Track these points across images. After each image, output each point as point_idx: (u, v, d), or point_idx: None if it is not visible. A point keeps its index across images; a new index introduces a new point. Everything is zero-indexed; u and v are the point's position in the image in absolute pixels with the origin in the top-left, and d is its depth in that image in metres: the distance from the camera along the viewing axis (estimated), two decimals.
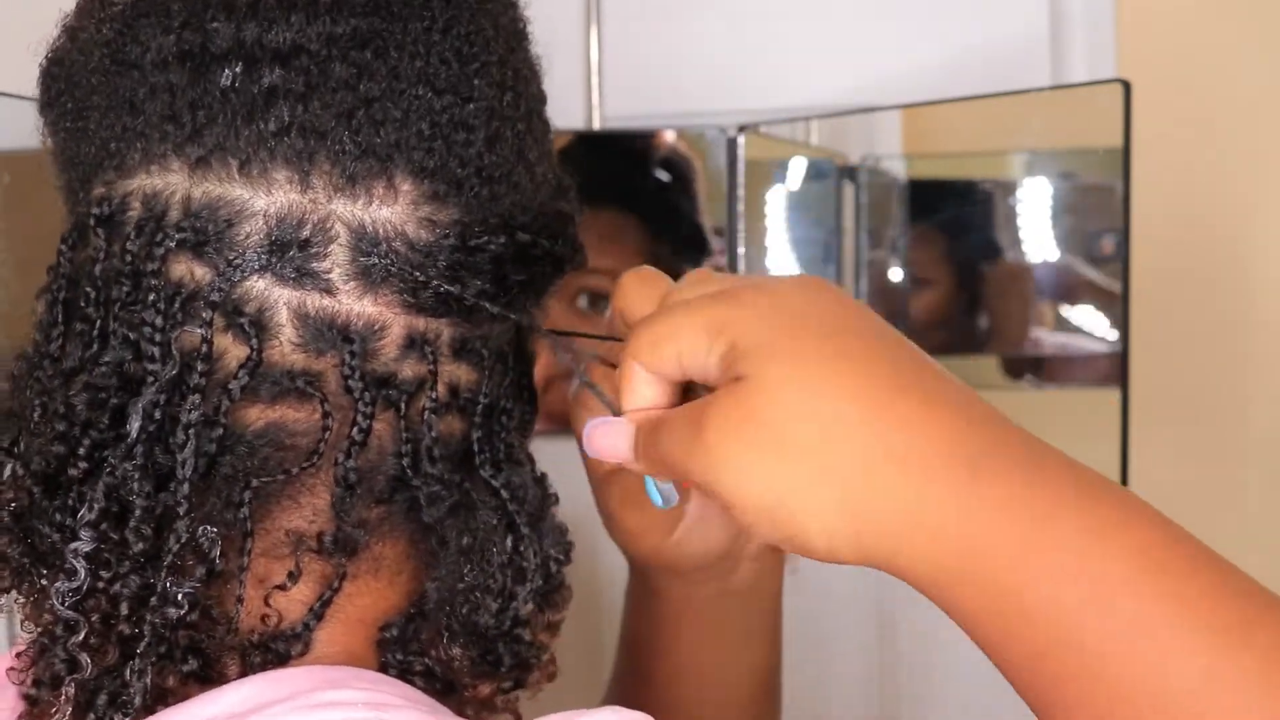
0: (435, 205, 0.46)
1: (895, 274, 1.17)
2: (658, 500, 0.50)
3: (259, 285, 0.44)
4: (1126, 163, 0.95)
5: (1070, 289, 1.07)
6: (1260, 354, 1.32)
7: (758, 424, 0.41)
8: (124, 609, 0.43)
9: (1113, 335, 1.00)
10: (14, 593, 0.46)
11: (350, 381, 0.45)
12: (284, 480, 0.45)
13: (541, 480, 0.52)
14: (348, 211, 0.44)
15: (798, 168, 1.20)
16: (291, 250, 0.44)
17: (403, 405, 0.46)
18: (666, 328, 0.44)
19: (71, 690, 0.43)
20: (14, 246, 0.87)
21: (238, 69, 0.44)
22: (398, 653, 0.48)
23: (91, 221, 0.46)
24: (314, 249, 0.44)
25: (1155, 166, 1.12)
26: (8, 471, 0.47)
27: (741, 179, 1.15)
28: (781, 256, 1.18)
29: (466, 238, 0.46)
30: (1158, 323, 1.21)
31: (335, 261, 0.45)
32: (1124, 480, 0.96)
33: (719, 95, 1.19)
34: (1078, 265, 1.06)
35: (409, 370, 0.46)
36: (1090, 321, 1.05)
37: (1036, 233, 1.07)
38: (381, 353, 0.46)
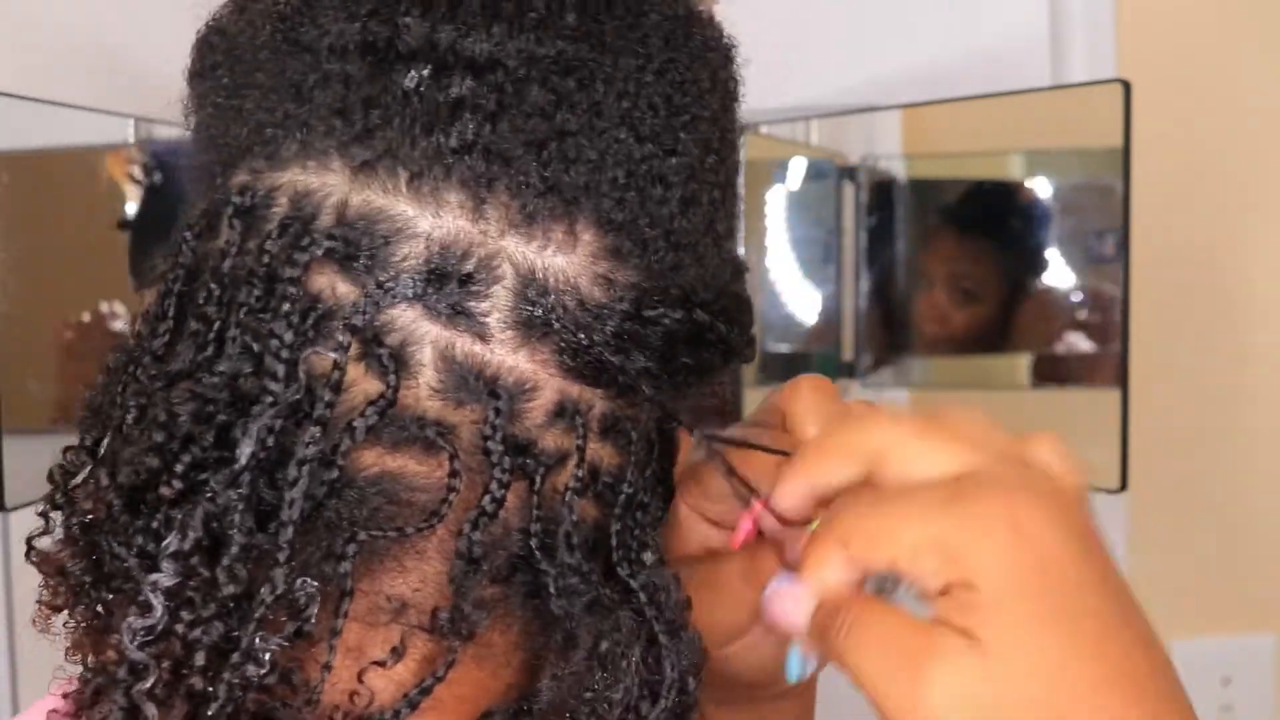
0: (615, 263, 0.40)
1: (898, 275, 1.17)
2: (794, 671, 0.44)
3: (406, 315, 0.39)
4: (1126, 163, 0.95)
5: (1070, 289, 1.07)
6: (1260, 354, 1.32)
7: (987, 707, 0.36)
8: (200, 659, 0.38)
9: (1113, 335, 1.00)
10: (65, 614, 0.42)
11: (490, 443, 0.39)
12: (395, 538, 0.40)
13: (678, 583, 0.45)
14: (519, 252, 0.39)
15: (798, 168, 1.20)
16: (451, 283, 0.39)
17: (538, 479, 0.40)
18: (890, 525, 0.39)
19: None
20: (14, 246, 0.87)
21: (425, 72, 0.39)
22: None
23: (229, 210, 0.41)
24: (475, 286, 0.39)
25: (1155, 166, 1.12)
26: (86, 476, 0.42)
27: (741, 179, 1.15)
28: (781, 256, 1.18)
29: (642, 305, 0.41)
30: (1158, 323, 1.21)
31: (496, 305, 0.39)
32: (1124, 480, 0.96)
33: None
34: (1077, 265, 1.06)
35: (552, 440, 0.41)
36: (1090, 321, 1.05)
37: (1036, 233, 1.07)
38: (527, 415, 0.40)
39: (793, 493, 0.42)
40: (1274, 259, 1.31)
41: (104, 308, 0.92)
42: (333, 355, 0.39)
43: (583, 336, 0.40)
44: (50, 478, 0.43)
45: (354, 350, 0.39)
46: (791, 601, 0.41)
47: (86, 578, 0.40)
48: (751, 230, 1.15)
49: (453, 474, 0.39)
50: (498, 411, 0.40)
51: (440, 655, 0.41)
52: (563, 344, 0.40)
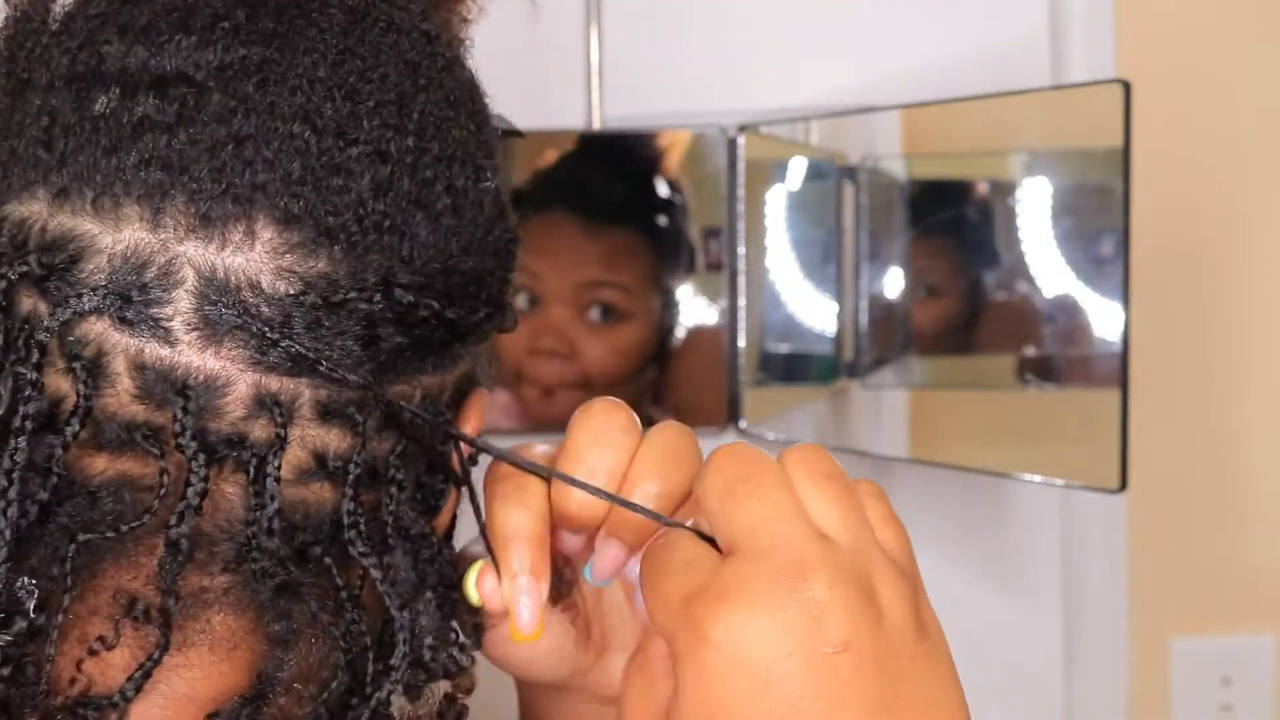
0: (299, 255, 0.42)
1: (901, 274, 1.17)
2: (587, 574, 0.48)
3: (97, 327, 0.42)
4: (1126, 163, 0.95)
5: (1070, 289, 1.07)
6: (1260, 354, 1.32)
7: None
8: None
9: (1113, 335, 1.00)
10: None
11: (180, 440, 0.41)
12: (114, 538, 0.42)
13: (434, 558, 0.47)
14: (198, 255, 0.41)
15: (798, 168, 1.20)
16: (133, 292, 0.41)
17: (252, 468, 0.43)
18: (655, 584, 0.43)
19: None
20: None
21: (114, 95, 0.42)
22: None
23: None
24: (156, 293, 0.41)
25: (1155, 166, 1.12)
26: None
27: (741, 179, 1.15)
28: (781, 256, 1.18)
29: (332, 293, 0.42)
30: (1158, 323, 1.21)
31: (178, 309, 0.41)
32: (1124, 480, 0.96)
33: (719, 95, 1.19)
34: (1077, 266, 1.06)
35: (259, 431, 0.43)
36: (1090, 322, 1.05)
37: (1036, 233, 1.07)
38: (225, 411, 0.42)
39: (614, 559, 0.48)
40: (1274, 259, 1.31)
41: None
42: (29, 371, 0.41)
43: (268, 331, 0.41)
44: None
45: (59, 365, 0.42)
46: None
47: None
48: (751, 230, 1.15)
49: (162, 472, 0.42)
50: (185, 410, 0.42)
51: (154, 642, 0.43)
52: (250, 339, 0.42)
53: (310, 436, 0.44)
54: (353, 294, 0.42)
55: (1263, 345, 1.32)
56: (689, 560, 0.42)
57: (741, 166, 1.15)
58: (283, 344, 0.42)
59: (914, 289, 1.16)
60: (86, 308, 0.41)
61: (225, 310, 0.41)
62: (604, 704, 0.54)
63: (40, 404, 0.41)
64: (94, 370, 0.42)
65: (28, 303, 0.42)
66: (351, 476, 0.44)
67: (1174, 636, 1.28)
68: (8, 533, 0.41)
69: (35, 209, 0.43)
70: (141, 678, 0.42)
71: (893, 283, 1.17)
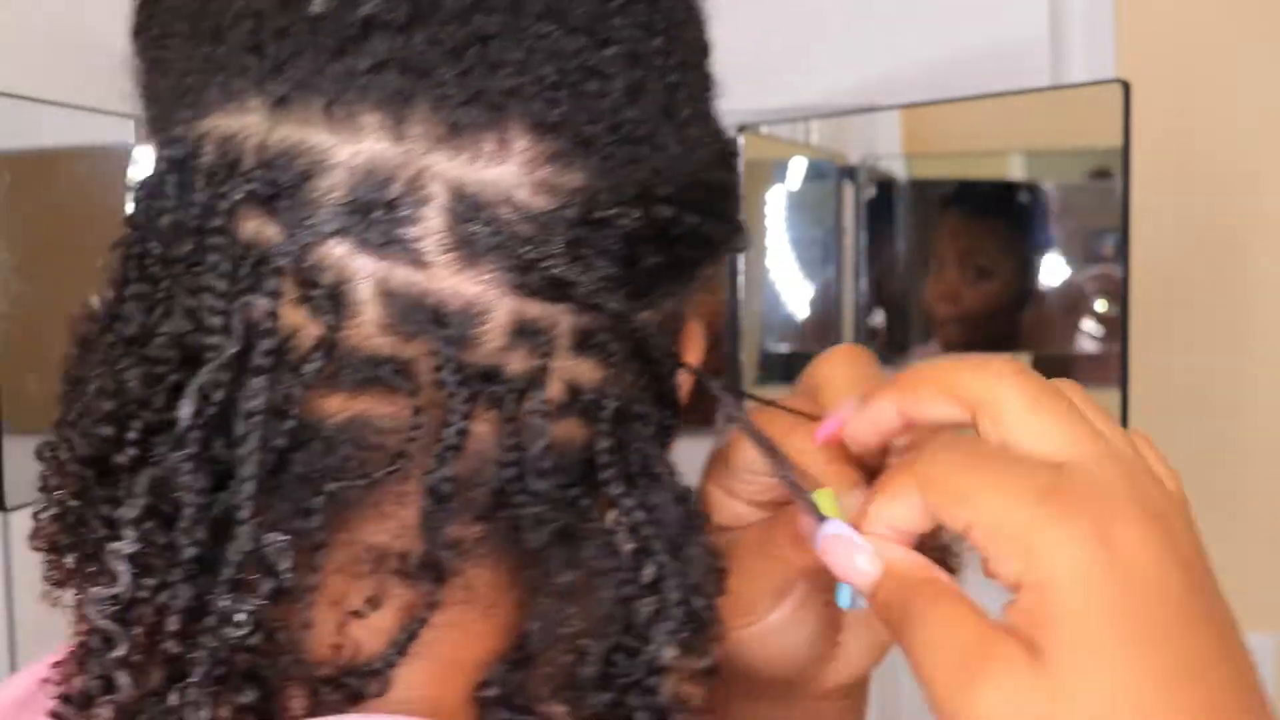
0: (556, 167, 0.37)
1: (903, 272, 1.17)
2: (844, 599, 0.41)
3: (337, 251, 0.37)
4: (1126, 163, 0.95)
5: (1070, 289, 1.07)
6: (1260, 354, 1.32)
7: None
8: (172, 624, 0.37)
9: (1113, 335, 1.00)
10: (63, 588, 0.40)
11: (443, 374, 0.37)
12: (365, 486, 0.38)
13: (685, 498, 0.42)
14: (448, 168, 0.37)
15: (798, 168, 1.20)
16: (376, 211, 0.36)
17: (509, 404, 0.38)
18: (979, 491, 0.36)
19: (108, 714, 0.37)
20: (14, 246, 0.87)
21: None
22: (501, 711, 0.41)
23: (162, 166, 0.39)
24: (403, 211, 0.36)
25: (1155, 166, 1.12)
26: (62, 451, 0.40)
27: (741, 179, 1.15)
28: (781, 256, 1.18)
29: (592, 209, 0.38)
30: (1158, 323, 1.21)
31: (429, 228, 0.37)
32: None
33: (719, 95, 1.19)
34: (1077, 266, 1.06)
35: (518, 364, 0.38)
36: (1089, 322, 1.05)
37: (1036, 233, 1.07)
38: (483, 341, 0.38)
39: (877, 414, 0.40)
40: (1274, 259, 1.31)
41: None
42: (264, 302, 0.37)
43: (529, 250, 0.37)
44: (38, 454, 0.42)
45: (294, 294, 0.37)
46: (851, 551, 0.39)
47: (72, 551, 0.40)
48: (751, 230, 1.15)
49: (415, 411, 0.37)
50: (447, 340, 0.37)
51: (421, 602, 0.39)
52: (508, 261, 0.37)
53: (566, 368, 0.39)
54: (614, 209, 0.38)
55: (1263, 345, 1.32)
56: (1019, 459, 0.37)
57: (741, 166, 1.15)
58: (543, 265, 0.37)
59: (914, 289, 1.16)
60: (327, 229, 0.37)
61: (481, 228, 0.37)
62: (821, 698, 0.50)
63: (276, 339, 0.37)
64: (335, 299, 0.37)
65: (251, 225, 0.37)
66: (608, 411, 0.40)
67: None
68: (250, 485, 0.37)
69: (248, 121, 0.38)
70: (406, 640, 0.39)
71: (892, 282, 1.17)
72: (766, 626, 0.47)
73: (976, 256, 1.15)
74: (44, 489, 0.42)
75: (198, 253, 0.38)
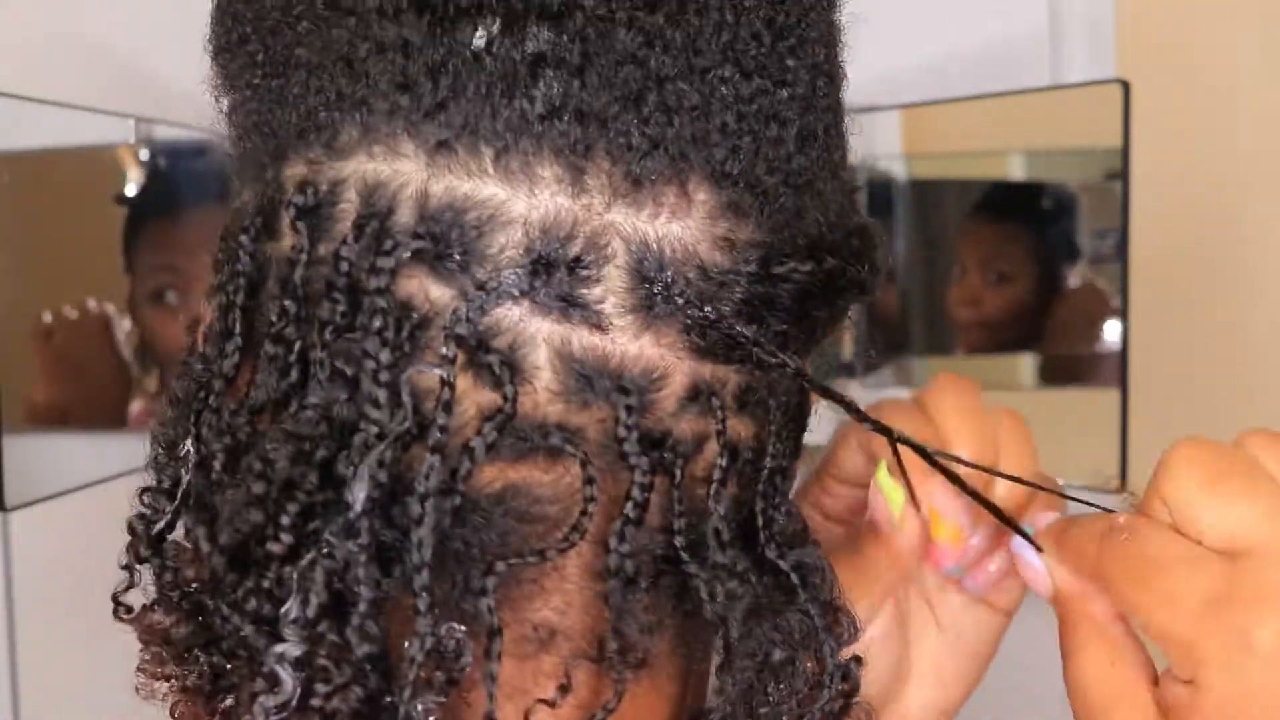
0: (735, 220, 0.35)
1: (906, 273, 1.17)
2: (949, 564, 0.45)
3: (513, 314, 0.34)
4: (1126, 163, 0.95)
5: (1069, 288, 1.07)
6: (1260, 354, 1.32)
7: None
8: None
9: (1113, 335, 1.00)
10: (164, 683, 0.37)
11: (626, 445, 0.35)
12: (535, 563, 0.35)
13: (823, 556, 0.40)
14: (629, 224, 0.34)
15: None
16: (558, 271, 0.33)
17: (677, 471, 0.36)
18: (1146, 601, 0.37)
19: None
20: (14, 246, 0.87)
21: (494, 26, 0.33)
22: None
23: (290, 211, 0.35)
24: (585, 270, 0.34)
25: (1155, 166, 1.12)
26: (181, 534, 0.37)
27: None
28: None
29: (770, 263, 0.35)
30: (1158, 323, 1.21)
31: (610, 288, 0.34)
32: (1123, 480, 0.96)
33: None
34: (1077, 265, 1.06)
35: (687, 427, 0.36)
36: (1089, 322, 1.05)
37: (1036, 233, 1.07)
38: (659, 406, 0.35)
39: (1063, 578, 0.42)
40: (1274, 259, 1.31)
41: (91, 305, 0.92)
42: (439, 372, 0.34)
43: (710, 310, 0.35)
44: (130, 528, 0.39)
45: (460, 360, 0.34)
46: (1035, 573, 0.42)
47: (193, 643, 0.36)
48: None
49: (588, 481, 0.35)
50: (629, 409, 0.35)
51: (605, 684, 0.36)
52: (689, 321, 0.35)
53: (729, 429, 0.37)
54: (790, 263, 0.36)
55: (1263, 345, 1.32)
56: (1185, 558, 0.37)
57: None
58: (724, 323, 0.35)
59: (914, 288, 1.16)
60: (513, 291, 0.33)
61: (665, 289, 0.34)
62: None
63: (453, 413, 0.34)
64: (511, 366, 0.34)
65: (413, 284, 0.34)
66: (766, 471, 0.38)
67: None
68: (426, 574, 0.33)
69: (402, 168, 0.34)
70: (604, 717, 0.36)
71: (892, 282, 1.17)
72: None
73: (998, 261, 1.15)
74: (138, 563, 0.38)
75: (351, 315, 0.34)
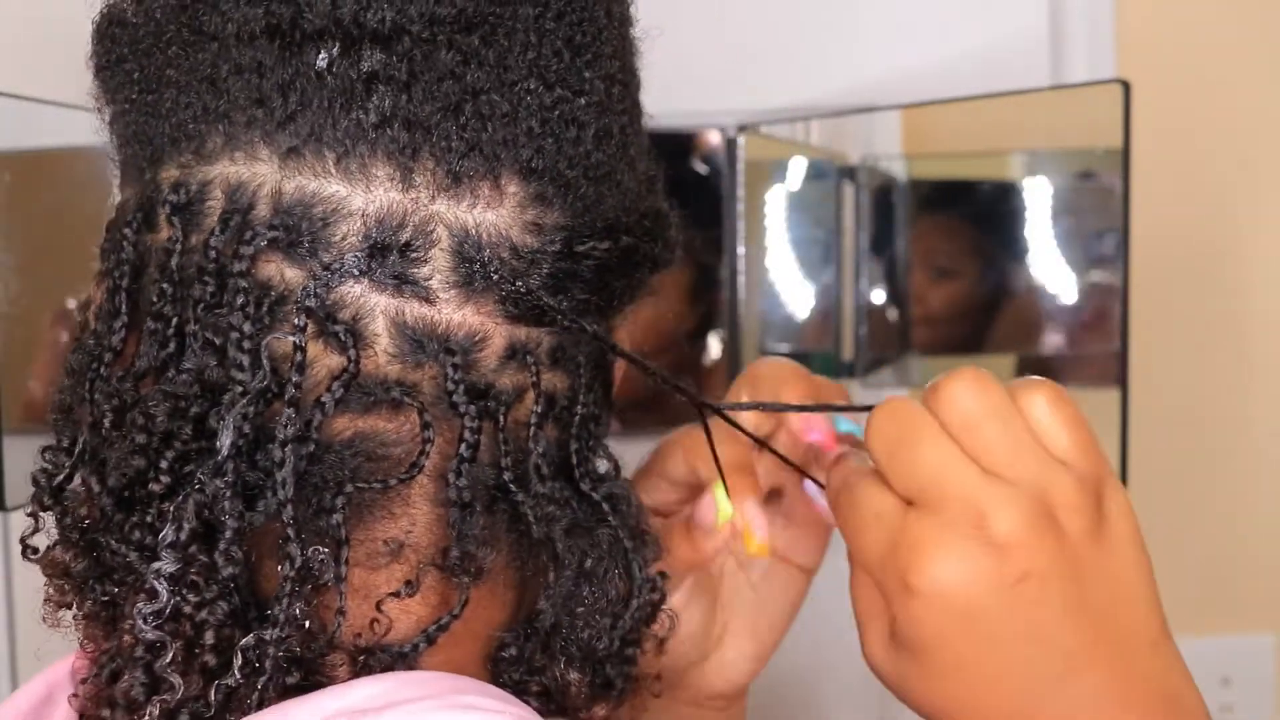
0: (541, 208, 0.42)
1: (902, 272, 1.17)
2: (706, 511, 0.53)
3: (355, 290, 0.41)
4: (1126, 163, 0.95)
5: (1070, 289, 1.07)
6: (1260, 354, 1.32)
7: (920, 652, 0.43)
8: (209, 638, 0.40)
9: (1113, 335, 1.00)
10: (71, 610, 0.44)
11: (455, 397, 0.42)
12: (380, 489, 0.42)
13: (630, 487, 0.49)
14: (451, 214, 0.41)
15: (797, 168, 1.20)
16: (391, 254, 0.41)
17: (501, 416, 0.43)
18: (854, 534, 0.45)
19: (155, 711, 0.40)
20: (14, 246, 0.87)
21: (334, 50, 0.40)
22: (514, 672, 0.46)
23: (166, 208, 0.42)
24: (415, 253, 0.41)
25: (1155, 166, 1.12)
26: (74, 479, 0.44)
27: (741, 179, 1.15)
28: (781, 256, 1.18)
29: (572, 243, 0.43)
30: (1158, 323, 1.21)
31: (436, 268, 0.41)
32: (1124, 480, 0.96)
33: (719, 95, 1.19)
34: (1077, 265, 1.06)
35: (507, 380, 0.43)
36: (1089, 322, 1.05)
37: (1036, 233, 1.07)
38: (481, 364, 0.43)
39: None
40: (1274, 259, 1.31)
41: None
42: (292, 339, 0.41)
43: (520, 284, 0.42)
44: (34, 481, 0.45)
45: (310, 330, 0.41)
46: (822, 506, 0.49)
47: (89, 574, 0.42)
48: (751, 230, 1.15)
49: (425, 426, 0.42)
50: (455, 367, 0.42)
51: (451, 590, 0.44)
52: (503, 294, 0.42)
53: (544, 381, 0.44)
54: (590, 243, 0.43)
55: (1263, 345, 1.32)
56: (877, 513, 0.44)
57: (741, 166, 1.14)
58: (531, 296, 0.42)
59: (914, 288, 1.16)
60: (353, 271, 0.41)
61: (482, 267, 0.42)
62: (701, 704, 0.57)
63: (304, 373, 0.41)
64: (354, 333, 0.41)
65: (270, 268, 0.41)
66: (578, 417, 0.46)
67: (1173, 636, 1.27)
68: (290, 508, 0.40)
69: (259, 170, 0.41)
70: (438, 630, 0.43)
71: (892, 282, 1.17)
72: (720, 657, 0.55)
73: (938, 257, 1.15)
74: (41, 510, 0.45)
75: (218, 294, 0.41)
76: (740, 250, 1.15)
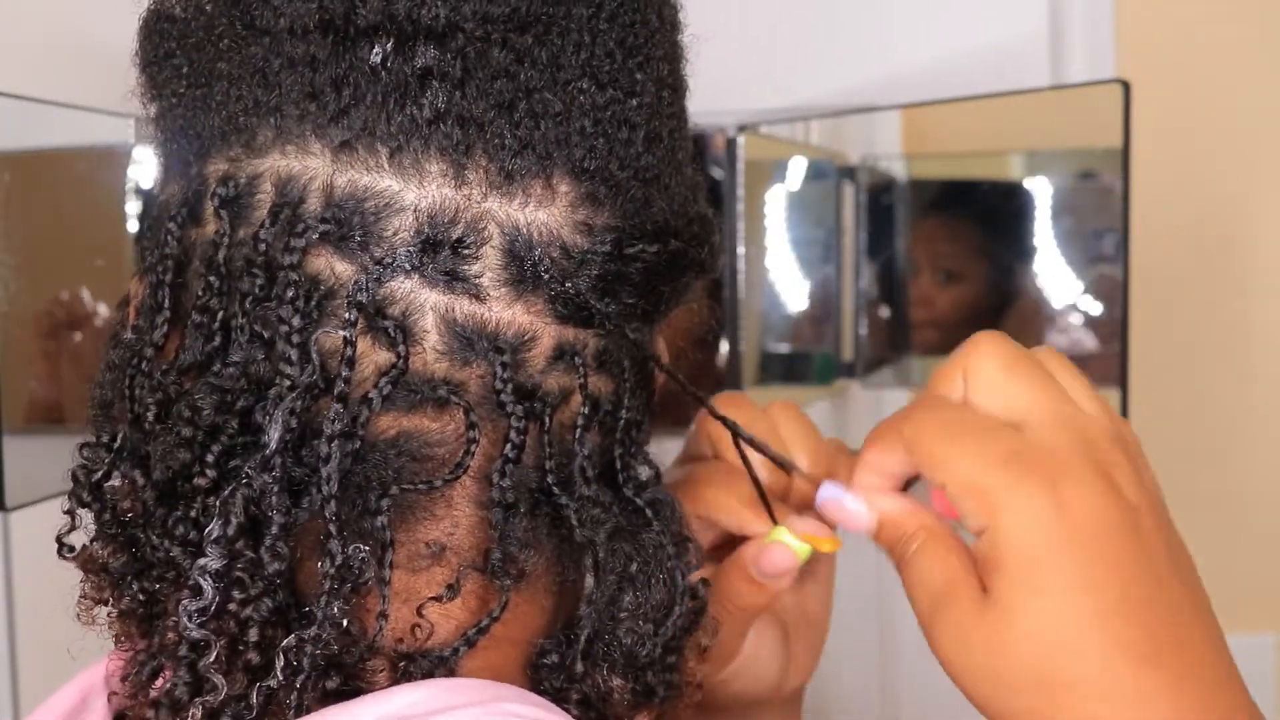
0: (592, 209, 0.42)
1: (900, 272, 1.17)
2: (785, 557, 0.51)
3: (405, 286, 0.41)
4: (1126, 163, 0.95)
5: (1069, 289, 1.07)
6: (1260, 353, 1.32)
7: (979, 655, 0.42)
8: (253, 635, 0.40)
9: (1113, 335, 1.00)
10: (108, 606, 0.43)
11: (502, 396, 0.41)
12: (425, 491, 0.42)
13: (675, 496, 0.48)
14: (503, 212, 0.41)
15: (797, 168, 1.20)
16: (443, 250, 0.40)
17: (547, 418, 0.43)
18: (953, 457, 0.43)
19: (199, 713, 0.40)
20: (14, 246, 0.87)
21: (388, 45, 0.40)
22: (555, 679, 0.45)
23: (214, 201, 0.42)
24: (466, 250, 0.41)
25: (1155, 166, 1.12)
26: (116, 474, 0.43)
27: (741, 179, 1.15)
28: (781, 256, 1.18)
29: (622, 245, 0.42)
30: (1158, 323, 1.21)
31: (487, 265, 0.41)
32: None
33: (719, 95, 1.19)
34: (1077, 265, 1.06)
35: (554, 381, 0.43)
36: (1090, 322, 1.05)
37: (1036, 233, 1.07)
38: (529, 364, 0.42)
39: (881, 454, 0.46)
40: (1274, 258, 1.31)
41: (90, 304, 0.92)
42: (342, 334, 0.40)
43: (570, 285, 0.42)
44: (74, 477, 0.45)
45: (360, 325, 0.41)
46: (853, 513, 0.47)
47: (128, 570, 0.42)
48: (751, 230, 1.15)
49: (470, 426, 0.41)
50: (504, 366, 0.41)
51: (491, 594, 0.43)
52: (553, 293, 0.42)
53: (591, 384, 0.44)
54: (639, 245, 0.43)
55: (1263, 345, 1.32)
56: (985, 423, 0.44)
57: (741, 166, 1.14)
58: (582, 296, 0.42)
59: (915, 288, 1.16)
60: (405, 266, 0.40)
61: (532, 266, 0.41)
62: (782, 704, 0.58)
63: (353, 368, 0.41)
64: (403, 329, 0.41)
65: (320, 262, 0.41)
66: (622, 422, 0.45)
67: None
68: (333, 504, 0.40)
69: (311, 164, 0.41)
70: (478, 633, 0.43)
71: (892, 282, 1.17)
72: (740, 664, 0.54)
73: (937, 257, 1.15)
74: (79, 508, 0.44)
75: (268, 288, 0.41)
76: (740, 250, 1.15)
